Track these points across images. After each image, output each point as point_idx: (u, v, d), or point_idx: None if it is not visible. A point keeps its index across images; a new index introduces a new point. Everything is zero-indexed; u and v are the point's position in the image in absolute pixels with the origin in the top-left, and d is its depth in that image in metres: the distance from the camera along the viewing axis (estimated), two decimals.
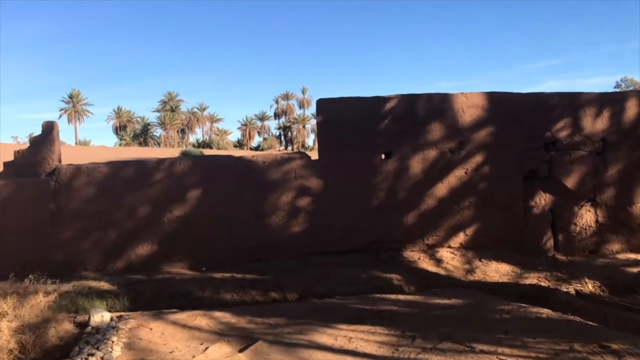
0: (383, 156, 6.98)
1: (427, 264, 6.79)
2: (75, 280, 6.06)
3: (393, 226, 6.86)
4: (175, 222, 6.56)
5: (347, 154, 6.88)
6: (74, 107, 64.25)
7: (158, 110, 67.66)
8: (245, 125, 71.84)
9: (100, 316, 4.27)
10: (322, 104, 6.91)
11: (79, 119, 65.18)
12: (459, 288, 5.98)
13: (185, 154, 7.50)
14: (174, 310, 5.04)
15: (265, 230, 6.71)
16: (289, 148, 67.10)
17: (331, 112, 6.90)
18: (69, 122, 64.27)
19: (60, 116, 64.00)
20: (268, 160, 6.78)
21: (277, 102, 74.33)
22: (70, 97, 64.71)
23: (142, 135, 65.37)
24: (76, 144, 55.35)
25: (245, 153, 22.25)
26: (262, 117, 73.04)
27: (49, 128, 6.56)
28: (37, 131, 6.70)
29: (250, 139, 71.40)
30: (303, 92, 73.68)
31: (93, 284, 5.90)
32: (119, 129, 66.00)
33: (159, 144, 63.51)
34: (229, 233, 6.65)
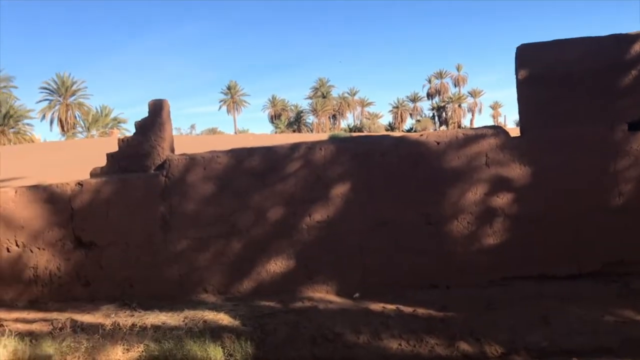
0: (627, 128, 4.64)
1: None
2: (189, 309, 4.75)
3: None
4: (316, 228, 4.97)
5: (567, 127, 4.67)
6: (232, 98, 70.15)
7: (310, 97, 71.53)
8: (397, 107, 72.31)
9: None
10: (525, 52, 4.76)
11: (237, 109, 71.27)
12: None
13: (332, 138, 5.55)
14: None
15: (443, 241, 4.82)
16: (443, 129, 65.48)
17: (540, 63, 4.73)
18: (228, 112, 70.86)
19: (220, 107, 71.69)
20: (444, 139, 4.86)
21: (429, 81, 73.85)
22: (229, 88, 70.83)
23: (296, 123, 69.05)
24: (235, 133, 59.00)
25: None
26: (414, 99, 72.95)
27: (157, 108, 5.37)
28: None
29: (402, 121, 71.64)
30: (458, 69, 72.12)
31: (210, 315, 4.50)
32: (274, 118, 70.55)
33: (311, 131, 65.92)
34: (389, 245, 4.88)
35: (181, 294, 5.12)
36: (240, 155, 5.12)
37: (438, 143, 4.85)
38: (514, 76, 4.98)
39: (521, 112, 4.80)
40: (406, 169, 4.87)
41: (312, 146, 5.05)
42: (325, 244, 4.95)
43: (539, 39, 5.39)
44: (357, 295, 4.86)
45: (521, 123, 4.81)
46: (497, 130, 4.83)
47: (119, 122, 52.38)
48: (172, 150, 5.46)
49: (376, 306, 4.68)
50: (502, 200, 4.75)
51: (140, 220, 5.19)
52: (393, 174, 4.89)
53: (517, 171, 4.74)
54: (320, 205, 4.95)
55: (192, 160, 5.15)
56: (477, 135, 4.81)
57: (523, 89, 4.77)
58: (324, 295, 4.96)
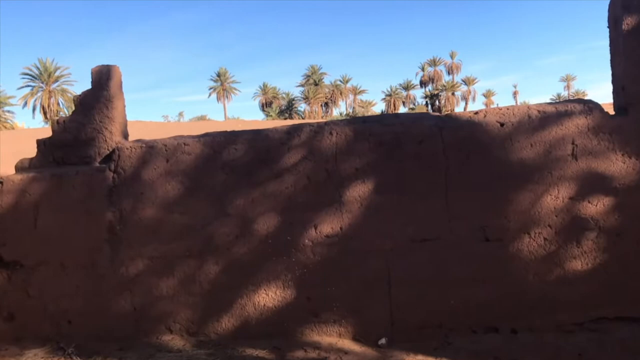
0: None
1: None
2: (146, 357, 3.44)
3: None
4: (324, 246, 3.61)
5: None
6: (222, 85, 69.96)
7: (302, 85, 71.96)
8: (390, 95, 73.04)
9: None
10: None
11: (227, 97, 70.97)
12: None
13: (348, 119, 4.01)
14: None
15: (508, 266, 3.45)
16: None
17: None
18: (218, 100, 70.46)
19: (210, 95, 71.58)
20: (511, 119, 3.46)
21: (423, 69, 74.44)
22: (218, 75, 70.65)
23: (288, 111, 69.14)
24: (225, 120, 58.17)
25: None
26: (407, 86, 73.42)
27: (104, 77, 3.99)
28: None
29: (395, 109, 72.34)
30: (452, 56, 72.60)
31: None
32: (265, 106, 70.50)
33: (303, 119, 65.91)
34: (429, 270, 3.53)
35: (136, 334, 3.79)
36: (217, 143, 3.74)
37: (502, 125, 3.45)
38: (606, 28, 3.58)
39: (625, 77, 3.38)
40: (454, 161, 3.49)
41: (319, 129, 3.66)
42: (337, 267, 3.60)
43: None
44: (383, 341, 3.50)
45: (626, 96, 3.39)
46: (589, 105, 3.41)
47: None
48: (126, 137, 4.09)
49: (411, 359, 3.34)
50: (595, 207, 3.36)
51: (80, 231, 3.84)
52: (435, 168, 3.50)
53: (618, 165, 3.35)
54: (330, 213, 3.59)
55: (150, 150, 3.79)
56: (560, 113, 3.40)
57: (629, 43, 3.35)
58: (335, 340, 3.60)
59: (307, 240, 3.63)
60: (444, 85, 72.58)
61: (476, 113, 3.56)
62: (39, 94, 51.04)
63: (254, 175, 3.69)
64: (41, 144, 4.04)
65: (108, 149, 3.95)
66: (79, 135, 3.97)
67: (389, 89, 74.25)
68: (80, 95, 3.99)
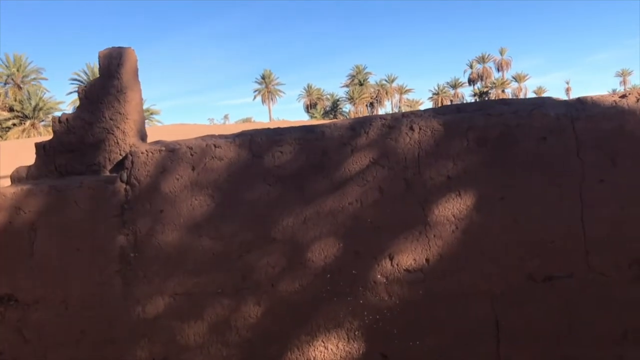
0: None
1: None
2: None
3: None
4: (405, 283, 2.68)
5: None
6: (267, 87, 70.63)
7: (347, 85, 71.80)
8: (437, 94, 72.05)
9: None
10: None
11: (272, 99, 71.53)
12: None
13: (434, 109, 2.91)
14: None
15: None
16: None
17: None
18: (262, 102, 71.10)
19: (255, 97, 72.19)
20: None
21: (471, 66, 73.07)
22: (263, 77, 71.21)
23: (332, 112, 68.95)
24: (270, 121, 58.87)
25: None
26: (455, 85, 72.05)
27: (114, 62, 3.20)
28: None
29: None
30: (501, 52, 70.94)
31: None
32: (310, 107, 70.64)
33: None
34: (557, 318, 2.54)
35: None
36: (257, 144, 2.87)
37: None
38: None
39: None
40: (593, 167, 2.49)
41: (395, 123, 2.73)
42: (422, 315, 2.66)
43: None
44: None
45: None
46: None
47: (151, 114, 52.12)
48: (143, 138, 3.29)
49: None
50: None
51: (85, 260, 3.06)
52: (564, 177, 2.51)
53: None
54: (411, 238, 2.66)
55: (171, 154, 2.96)
56: None
57: None
58: None
59: (379, 276, 2.70)
60: (494, 83, 70.61)
61: (623, 96, 2.54)
62: None
63: (307, 186, 2.80)
64: (40, 148, 3.29)
65: (120, 154, 3.16)
66: (85, 136, 3.21)
67: (436, 88, 73.15)
68: (85, 87, 3.23)
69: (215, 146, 2.90)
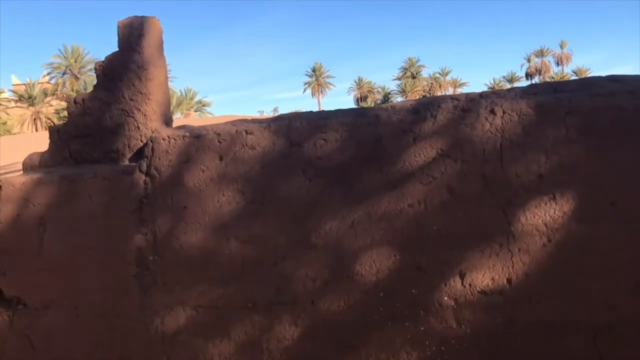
0: None
1: None
2: None
3: None
4: (480, 308, 2.13)
5: None
6: (317, 80, 70.95)
7: (399, 78, 71.49)
8: (492, 88, 70.22)
9: None
10: None
11: (321, 92, 71.61)
12: None
13: (528, 87, 2.24)
14: None
15: None
16: None
17: None
18: (312, 95, 71.62)
19: (305, 90, 72.85)
20: None
21: (529, 60, 71.14)
22: (314, 70, 71.63)
23: None
24: None
25: None
26: (511, 79, 69.94)
27: (135, 33, 2.80)
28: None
29: None
30: (561, 46, 68.51)
31: None
32: (360, 100, 70.26)
33: None
34: None
35: None
36: (296, 130, 2.39)
37: None
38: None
39: None
40: None
41: (470, 105, 2.18)
42: (502, 347, 2.11)
43: None
44: None
45: None
46: None
47: (203, 105, 52.90)
48: (168, 122, 2.87)
49: None
50: None
51: (98, 262, 2.69)
52: None
53: None
54: (489, 252, 2.11)
55: (196, 141, 2.52)
56: None
57: None
58: None
59: (446, 298, 2.17)
60: (553, 77, 67.76)
61: None
62: None
63: (356, 183, 2.30)
64: (54, 132, 2.93)
65: (141, 140, 2.76)
66: (102, 119, 2.82)
67: (492, 82, 70.72)
68: (103, 62, 2.83)
69: (246, 132, 2.44)
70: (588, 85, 2.09)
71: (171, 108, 3.13)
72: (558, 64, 70.91)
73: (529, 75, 70.88)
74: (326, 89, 72.82)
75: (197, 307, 2.53)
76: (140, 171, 2.61)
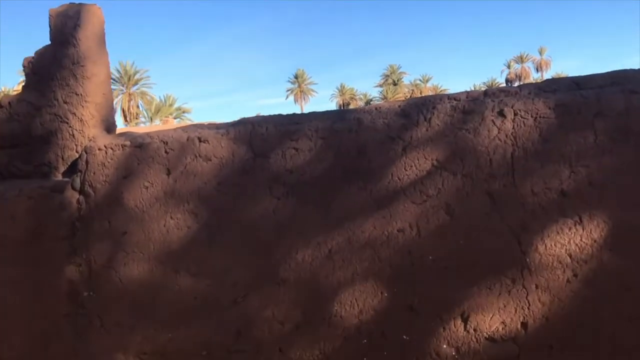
0: None
1: None
2: None
3: None
4: (487, 358, 1.74)
5: None
6: (299, 86, 71.29)
7: (380, 85, 72.35)
8: None
9: None
10: None
11: (304, 99, 71.75)
12: None
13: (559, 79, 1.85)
14: None
15: None
16: None
17: None
18: (295, 102, 71.94)
19: (287, 97, 72.72)
20: None
21: (508, 66, 72.89)
22: (296, 77, 72.05)
23: None
24: None
25: None
26: (491, 85, 70.94)
27: (70, 23, 2.36)
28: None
29: None
30: (540, 52, 70.33)
31: None
32: (343, 107, 71.02)
33: None
34: None
35: None
36: (260, 138, 1.97)
37: None
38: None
39: None
40: None
41: (473, 106, 1.76)
42: None
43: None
44: None
45: None
46: None
47: (183, 112, 52.35)
48: (110, 129, 2.43)
49: None
50: None
51: (24, 299, 2.24)
52: None
53: None
54: (498, 289, 1.70)
55: (139, 152, 2.08)
56: None
57: None
58: None
59: (445, 346, 1.75)
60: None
61: None
62: (119, 97, 52.93)
63: (334, 202, 1.87)
64: None
65: (77, 150, 2.31)
66: (31, 126, 2.37)
67: (472, 88, 72.33)
68: (32, 58, 2.38)
69: (200, 140, 2.00)
70: (620, 80, 1.69)
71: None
72: (538, 70, 72.41)
73: (509, 82, 72.16)
74: (309, 95, 73.36)
75: (141, 354, 2.08)
76: (73, 188, 2.17)
